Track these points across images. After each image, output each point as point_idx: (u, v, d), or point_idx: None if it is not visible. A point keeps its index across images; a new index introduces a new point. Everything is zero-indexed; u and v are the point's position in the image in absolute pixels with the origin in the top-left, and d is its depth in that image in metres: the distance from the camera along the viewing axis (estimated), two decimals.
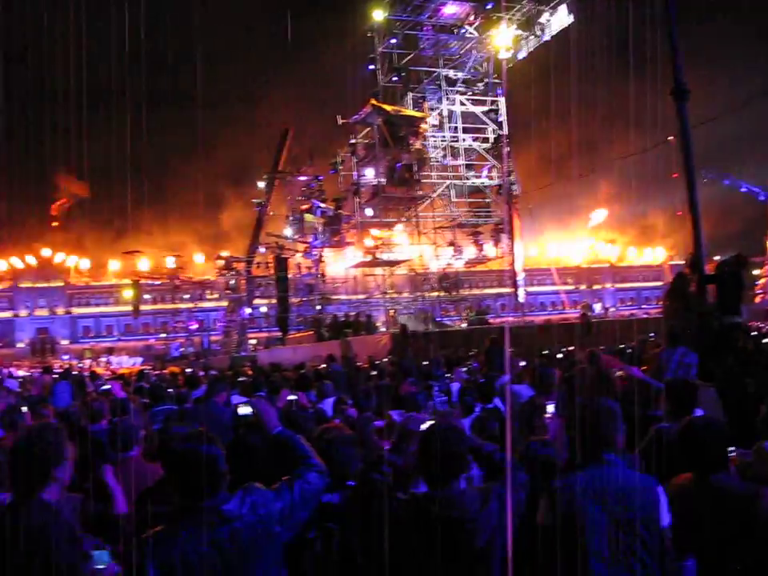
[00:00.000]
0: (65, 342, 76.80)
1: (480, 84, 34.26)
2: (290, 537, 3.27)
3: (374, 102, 30.92)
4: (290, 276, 40.94)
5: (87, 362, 50.38)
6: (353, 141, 33.50)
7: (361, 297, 35.02)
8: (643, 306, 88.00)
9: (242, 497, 3.12)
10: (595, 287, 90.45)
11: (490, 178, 33.57)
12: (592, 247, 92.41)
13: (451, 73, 33.46)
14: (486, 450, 3.84)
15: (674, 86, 10.55)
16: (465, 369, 12.22)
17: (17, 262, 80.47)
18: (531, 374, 7.64)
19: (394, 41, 33.34)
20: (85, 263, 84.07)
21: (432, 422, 3.96)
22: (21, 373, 22.33)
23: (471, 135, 33.57)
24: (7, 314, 78.03)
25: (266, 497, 3.17)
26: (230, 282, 49.39)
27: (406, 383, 8.54)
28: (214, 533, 2.99)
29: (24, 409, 7.45)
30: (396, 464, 3.93)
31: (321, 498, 3.59)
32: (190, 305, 60.52)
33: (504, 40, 31.60)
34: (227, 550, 2.99)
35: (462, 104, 33.10)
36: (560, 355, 14.74)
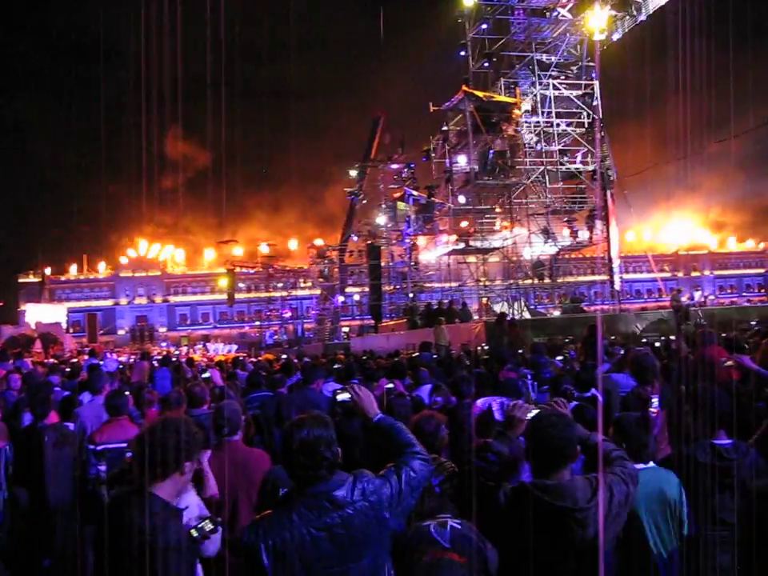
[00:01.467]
0: (162, 330, 79.01)
1: (574, 67, 33.55)
2: (397, 524, 3.29)
3: (465, 88, 30.73)
4: (382, 264, 41.08)
5: (184, 349, 51.50)
6: (445, 128, 33.33)
7: (453, 284, 34.86)
8: (744, 294, 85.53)
9: (352, 483, 3.15)
10: (693, 274, 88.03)
11: (585, 164, 32.95)
12: (691, 233, 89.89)
13: (544, 57, 32.85)
14: (593, 441, 3.79)
15: None
16: (560, 357, 12.07)
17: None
18: (631, 364, 7.46)
19: (484, 26, 32.97)
20: (180, 253, 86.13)
21: (538, 409, 3.91)
22: (121, 359, 22.95)
23: (565, 120, 32.94)
24: (109, 303, 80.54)
25: (375, 483, 3.20)
26: (323, 271, 49.82)
27: (504, 370, 8.48)
28: (325, 518, 3.03)
29: (126, 393, 7.66)
30: (502, 452, 3.88)
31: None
32: (284, 293, 61.26)
33: (598, 21, 30.87)
34: (339, 535, 3.04)
35: (556, 88, 32.49)
36: (658, 344, 14.46)
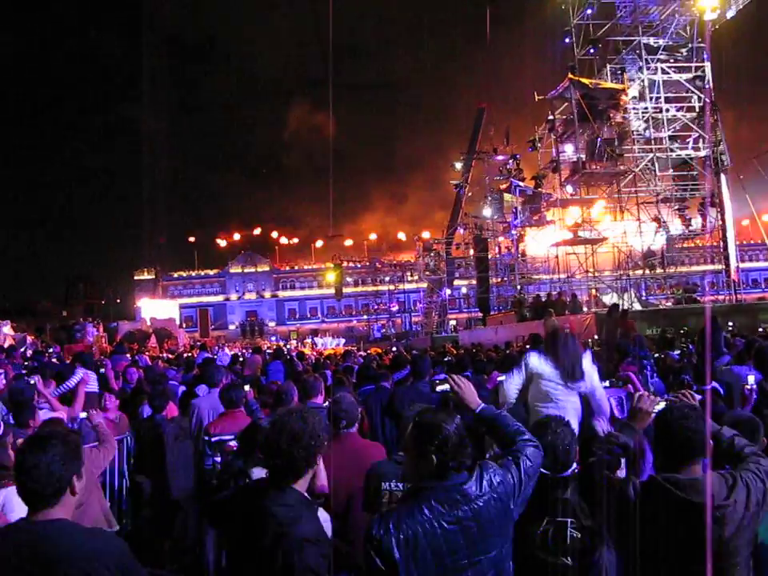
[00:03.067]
0: (272, 324, 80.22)
1: (683, 50, 32.46)
2: (519, 514, 3.28)
3: (571, 76, 30.25)
4: (489, 256, 40.87)
5: (293, 343, 52.31)
6: (551, 117, 32.90)
7: (562, 276, 34.38)
8: None
9: (480, 475, 3.14)
10: None
11: (697, 149, 31.96)
12: None
13: (651, 40, 31.96)
14: (727, 437, 3.69)
15: None
16: (678, 351, 11.79)
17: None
18: (755, 355, 7.23)
19: (589, 11, 32.36)
20: (288, 248, 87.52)
21: (665, 402, 3.82)
22: (233, 353, 23.49)
23: (675, 105, 32.03)
24: (219, 298, 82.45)
25: (500, 474, 3.19)
26: (430, 264, 49.83)
27: (625, 363, 8.31)
28: (457, 510, 3.03)
29: (246, 387, 7.85)
30: (627, 444, 3.80)
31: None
32: (391, 286, 61.51)
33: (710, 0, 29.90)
34: (469, 527, 3.03)
35: (664, 72, 31.61)
36: None
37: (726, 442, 3.65)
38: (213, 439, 6.70)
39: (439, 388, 3.80)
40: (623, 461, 3.78)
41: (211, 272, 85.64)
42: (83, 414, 6.84)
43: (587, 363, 5.91)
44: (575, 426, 5.35)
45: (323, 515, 3.32)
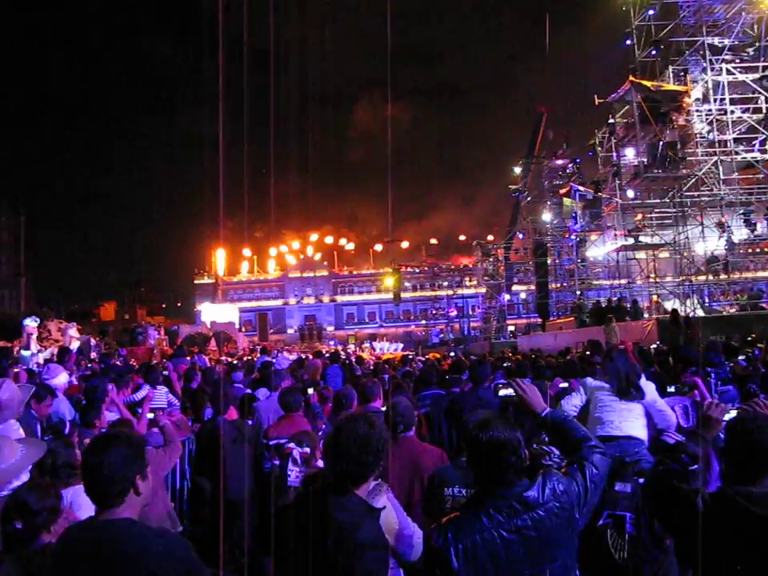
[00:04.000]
0: (330, 329, 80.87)
1: (750, 49, 31.69)
2: (584, 523, 3.21)
3: (632, 78, 29.83)
4: (548, 261, 40.61)
5: (351, 347, 52.51)
6: (611, 121, 32.56)
7: (622, 281, 33.92)
8: None
9: (542, 483, 3.08)
10: None
11: (763, 152, 31.25)
12: None
13: (716, 40, 31.30)
14: None
15: None
16: (743, 357, 11.47)
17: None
18: None
19: (651, 12, 31.78)
20: (349, 251, 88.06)
21: (737, 410, 3.65)
22: (292, 357, 23.67)
23: (740, 106, 31.37)
24: (278, 303, 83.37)
25: (564, 483, 3.12)
26: (489, 269, 49.68)
27: (688, 372, 8.09)
28: (517, 519, 2.97)
29: (310, 391, 7.86)
30: (696, 453, 3.64)
31: (614, 486, 3.47)
32: (449, 291, 61.49)
33: None
34: (530, 537, 2.97)
35: (730, 73, 30.94)
36: None
37: None
38: (271, 442, 6.73)
39: (502, 392, 3.75)
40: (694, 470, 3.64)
41: (270, 276, 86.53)
42: (150, 415, 6.92)
43: (643, 380, 5.77)
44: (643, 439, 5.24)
45: (388, 501, 3.29)
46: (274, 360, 18.46)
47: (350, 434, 3.26)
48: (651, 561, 3.43)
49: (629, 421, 5.31)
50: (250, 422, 7.95)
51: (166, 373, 11.71)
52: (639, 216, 32.62)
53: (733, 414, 3.61)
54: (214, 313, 58.80)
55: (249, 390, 10.60)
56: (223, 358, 26.08)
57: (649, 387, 5.73)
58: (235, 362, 21.76)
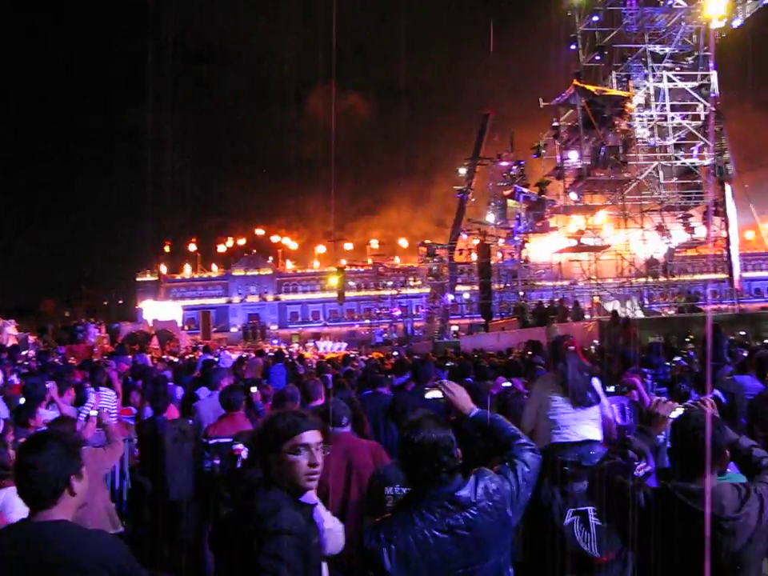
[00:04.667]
0: (273, 328, 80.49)
1: (689, 58, 32.43)
2: (517, 521, 3.21)
3: (576, 82, 30.22)
4: (492, 262, 40.93)
5: (295, 346, 52.38)
6: (555, 124, 32.89)
7: (564, 283, 34.37)
8: None
9: (475, 482, 3.07)
10: None
11: (702, 158, 31.92)
12: None
13: (657, 48, 31.90)
14: (743, 446, 3.59)
15: None
16: (678, 358, 11.74)
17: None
18: (756, 365, 7.18)
19: (595, 18, 32.21)
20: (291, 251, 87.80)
21: (683, 409, 3.75)
22: (235, 356, 23.55)
23: (680, 113, 31.99)
24: (222, 301, 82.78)
25: (497, 481, 3.13)
26: (433, 269, 49.91)
27: (628, 372, 8.25)
28: (449, 519, 2.96)
29: (254, 389, 7.84)
30: (642, 449, 3.73)
31: (573, 487, 3.55)
32: (394, 291, 61.58)
33: (717, 8, 29.76)
34: (463, 536, 2.96)
35: (670, 80, 31.57)
36: None
37: (743, 453, 3.56)
38: (211, 441, 6.67)
39: (429, 395, 3.74)
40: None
41: (214, 274, 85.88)
42: (93, 413, 6.83)
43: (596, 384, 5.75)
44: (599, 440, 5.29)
45: (323, 518, 3.26)
46: (217, 358, 18.36)
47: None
48: (616, 545, 3.53)
49: (585, 424, 5.30)
50: (190, 421, 7.91)
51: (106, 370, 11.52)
52: (582, 218, 33.04)
53: (680, 411, 3.69)
54: (156, 311, 58.07)
55: (181, 389, 10.56)
56: (165, 356, 25.86)
57: (596, 384, 5.76)
58: (171, 359, 21.61)
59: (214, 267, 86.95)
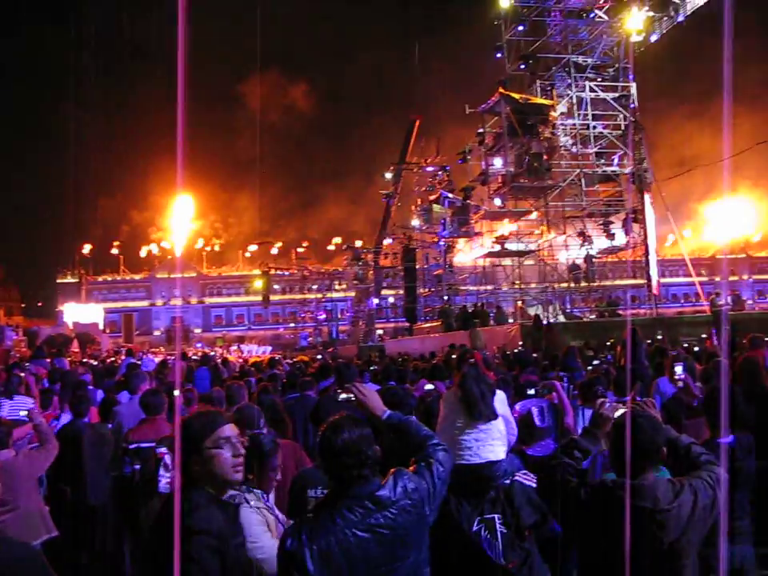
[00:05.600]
0: (198, 331, 79.54)
1: (610, 69, 33.29)
2: (433, 518, 3.28)
3: (502, 90, 30.63)
4: (417, 266, 41.14)
5: (219, 350, 51.86)
6: (481, 130, 33.25)
7: (489, 287, 34.79)
8: None
9: (393, 481, 3.12)
10: (731, 278, 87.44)
11: (622, 166, 32.70)
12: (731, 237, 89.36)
13: (580, 59, 32.62)
14: (684, 444, 3.81)
15: None
16: (597, 362, 11.99)
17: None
18: (670, 368, 7.42)
19: (521, 28, 32.76)
20: (216, 253, 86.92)
21: (624, 408, 3.89)
22: (158, 359, 23.25)
23: (601, 122, 32.75)
24: (145, 304, 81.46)
25: (415, 480, 3.18)
26: (358, 273, 49.96)
27: (525, 373, 8.47)
28: (370, 518, 3.01)
29: (176, 393, 7.77)
30: (588, 449, 3.90)
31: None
32: (319, 295, 61.41)
33: (635, 23, 30.71)
34: (384, 535, 3.01)
35: (592, 90, 32.27)
36: (697, 348, 14.36)
37: (683, 449, 3.77)
38: (131, 446, 6.59)
39: (341, 397, 3.78)
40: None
41: (137, 276, 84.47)
42: (23, 413, 6.67)
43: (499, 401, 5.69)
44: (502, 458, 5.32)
45: (249, 516, 3.28)
46: (140, 362, 18.11)
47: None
48: (521, 552, 3.63)
49: (488, 445, 5.23)
50: (110, 426, 7.81)
51: (23, 374, 11.16)
52: (506, 224, 33.49)
53: (622, 411, 3.84)
54: (77, 313, 56.93)
55: (101, 392, 10.41)
56: (87, 360, 25.39)
57: (500, 398, 5.67)
58: (91, 362, 21.22)
59: (138, 269, 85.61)
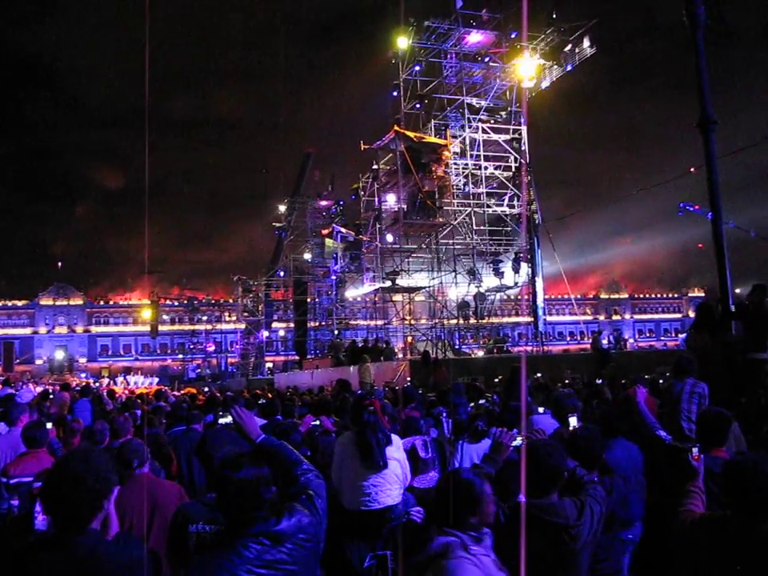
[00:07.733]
0: (83, 361, 77.38)
1: (503, 112, 34.30)
2: (321, 550, 3.32)
3: (396, 128, 30.98)
4: (308, 300, 41.10)
5: (104, 380, 50.52)
6: (375, 166, 33.55)
7: (379, 323, 34.94)
8: (662, 338, 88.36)
9: (289, 516, 3.12)
10: (614, 318, 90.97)
11: (512, 207, 33.52)
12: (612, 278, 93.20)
13: (474, 101, 33.49)
14: (570, 468, 4.34)
15: (701, 117, 10.45)
16: (483, 401, 12.09)
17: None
18: (553, 404, 7.54)
19: (417, 68, 33.46)
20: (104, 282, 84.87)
21: (522, 438, 4.62)
22: (38, 389, 22.44)
23: (493, 163, 33.57)
24: (27, 331, 78.69)
25: (307, 514, 3.20)
26: (249, 305, 49.56)
27: (408, 408, 8.49)
28: (266, 554, 2.99)
29: (49, 425, 7.44)
30: (490, 474, 4.39)
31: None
32: (208, 326, 60.78)
33: (527, 69, 31.82)
34: (282, 569, 3.01)
35: (485, 132, 33.09)
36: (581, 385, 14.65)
37: (569, 472, 4.31)
38: (11, 481, 6.28)
39: (222, 421, 3.85)
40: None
41: (19, 302, 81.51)
42: None
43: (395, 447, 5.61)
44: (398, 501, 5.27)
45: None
46: (17, 393, 17.46)
47: (63, 472, 3.00)
48: None
49: (385, 489, 5.20)
50: None
51: None
52: (397, 260, 33.77)
53: (518, 441, 4.62)
54: None
55: None
56: None
57: (396, 443, 5.60)
58: None
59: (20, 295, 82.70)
